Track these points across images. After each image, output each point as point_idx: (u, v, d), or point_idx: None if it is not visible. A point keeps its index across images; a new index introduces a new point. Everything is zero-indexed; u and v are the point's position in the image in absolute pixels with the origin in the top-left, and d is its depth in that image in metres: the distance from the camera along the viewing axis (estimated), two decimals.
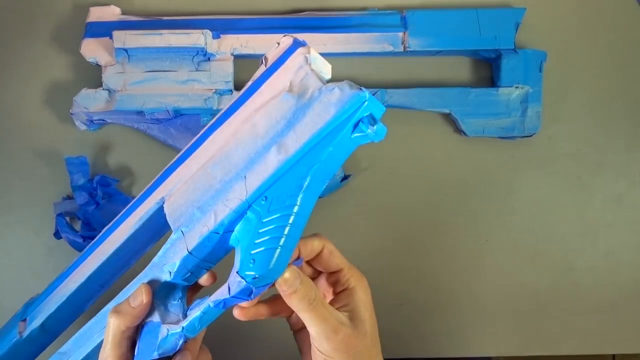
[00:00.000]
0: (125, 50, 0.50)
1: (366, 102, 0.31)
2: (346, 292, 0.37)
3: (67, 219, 0.52)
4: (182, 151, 0.37)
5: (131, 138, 0.54)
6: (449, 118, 0.54)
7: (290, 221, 0.32)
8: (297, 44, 0.34)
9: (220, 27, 0.52)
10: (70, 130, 0.53)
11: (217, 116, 0.36)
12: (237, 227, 0.33)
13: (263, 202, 0.32)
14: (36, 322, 0.41)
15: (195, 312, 0.34)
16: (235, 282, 0.32)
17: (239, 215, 0.33)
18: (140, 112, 0.51)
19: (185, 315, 0.35)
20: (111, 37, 0.51)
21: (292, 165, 0.32)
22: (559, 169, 0.55)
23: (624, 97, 0.55)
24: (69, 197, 0.53)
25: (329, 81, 0.33)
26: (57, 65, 0.54)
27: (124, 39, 0.50)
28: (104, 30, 0.51)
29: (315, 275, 0.39)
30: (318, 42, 0.51)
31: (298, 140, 0.32)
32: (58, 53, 0.54)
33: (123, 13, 0.53)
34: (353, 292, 0.37)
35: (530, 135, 0.53)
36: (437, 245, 0.55)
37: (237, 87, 0.52)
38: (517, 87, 0.53)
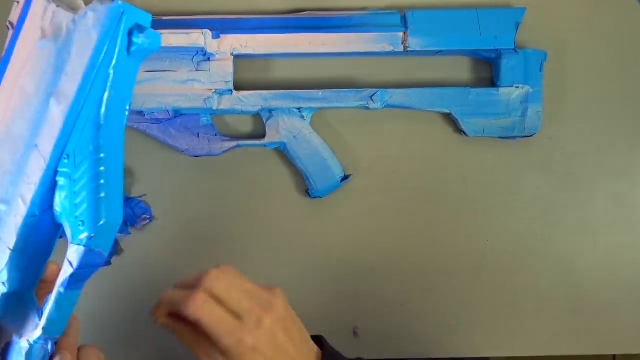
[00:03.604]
0: None
1: (124, 13, 0.28)
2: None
3: None
4: None
5: (131, 138, 0.54)
6: (449, 118, 0.54)
7: (102, 169, 0.28)
8: None
9: (220, 27, 0.51)
10: None
11: None
12: (56, 201, 0.29)
13: (66, 161, 0.29)
14: None
15: (48, 307, 0.30)
16: (73, 253, 0.29)
17: (48, 186, 0.29)
18: (140, 112, 0.51)
19: (40, 319, 0.31)
20: None
21: (79, 108, 0.28)
22: (559, 169, 0.55)
23: (624, 97, 0.55)
24: None
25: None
26: None
27: None
28: None
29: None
30: (318, 42, 0.51)
31: (73, 81, 0.28)
32: None
33: None
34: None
35: (530, 135, 0.53)
36: (437, 245, 0.55)
37: (237, 87, 0.52)
38: (517, 87, 0.53)
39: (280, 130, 0.52)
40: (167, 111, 0.51)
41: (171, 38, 0.50)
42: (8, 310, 0.31)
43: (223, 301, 0.33)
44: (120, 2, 0.28)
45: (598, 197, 0.55)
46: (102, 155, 0.28)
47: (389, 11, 0.53)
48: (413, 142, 0.55)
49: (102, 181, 0.28)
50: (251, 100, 0.52)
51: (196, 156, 0.53)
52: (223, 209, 0.54)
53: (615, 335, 0.56)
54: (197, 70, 0.51)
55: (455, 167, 0.55)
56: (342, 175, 0.53)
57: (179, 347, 0.36)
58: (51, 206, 0.30)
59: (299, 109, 0.52)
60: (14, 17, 0.31)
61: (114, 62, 0.28)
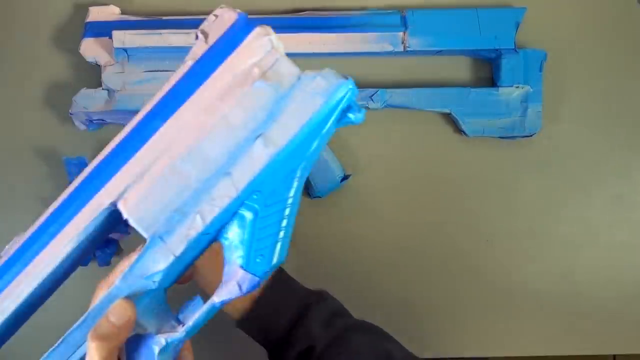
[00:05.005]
0: (125, 50, 0.50)
1: (350, 90, 0.31)
2: None
3: None
4: (114, 146, 0.33)
5: None
6: (449, 118, 0.54)
7: (287, 213, 0.32)
8: (245, 22, 0.32)
9: None
10: (70, 130, 0.53)
11: (153, 103, 0.33)
12: (230, 227, 0.32)
13: (256, 197, 0.31)
14: None
15: (198, 313, 0.33)
16: (246, 279, 0.32)
17: (229, 213, 0.32)
18: None
19: (178, 320, 0.33)
20: (111, 37, 0.50)
21: (283, 158, 0.31)
22: (559, 169, 0.55)
23: (623, 97, 0.55)
24: None
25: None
26: (57, 65, 0.54)
27: (124, 38, 0.50)
28: (103, 30, 0.51)
29: None
30: (318, 42, 0.51)
31: (285, 132, 0.31)
32: (58, 53, 0.54)
33: (122, 13, 0.53)
34: None
35: (530, 135, 0.53)
36: (437, 245, 0.55)
37: None
38: (517, 87, 0.53)
39: None
40: None
41: (171, 38, 0.50)
42: (149, 306, 0.33)
43: None
44: (350, 80, 0.31)
45: (598, 197, 0.55)
46: (290, 202, 0.32)
47: (389, 11, 0.53)
48: (413, 142, 0.55)
49: (285, 223, 0.32)
50: None
51: None
52: None
53: (615, 335, 0.56)
54: None
55: (455, 167, 0.55)
56: (342, 175, 0.53)
57: None
58: (222, 228, 0.32)
59: None
60: (212, 31, 0.33)
61: (326, 128, 0.31)
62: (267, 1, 0.54)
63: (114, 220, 0.33)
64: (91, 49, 0.51)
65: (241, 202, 0.31)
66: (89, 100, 0.51)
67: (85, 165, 0.52)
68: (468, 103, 0.53)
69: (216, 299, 0.32)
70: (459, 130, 0.54)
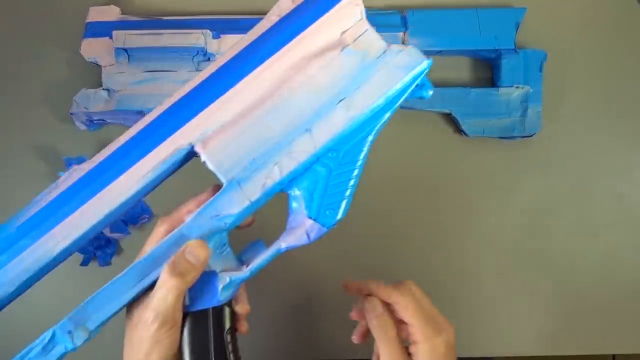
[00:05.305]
0: (125, 50, 0.50)
1: (426, 68, 0.33)
2: (412, 346, 0.38)
3: None
4: (195, 86, 0.34)
5: None
6: (449, 118, 0.54)
7: (355, 174, 0.35)
8: None
9: (220, 27, 0.52)
10: (70, 130, 0.53)
11: (235, 50, 0.34)
12: (301, 177, 0.34)
13: (331, 155, 0.34)
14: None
15: (263, 256, 0.35)
16: (315, 229, 0.34)
17: (305, 167, 0.34)
18: (140, 112, 0.51)
19: (241, 260, 0.36)
20: (111, 37, 0.51)
21: (361, 123, 0.34)
22: (559, 169, 0.55)
23: (623, 97, 0.55)
24: None
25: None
26: (57, 65, 0.54)
27: (124, 39, 0.50)
28: (104, 30, 0.51)
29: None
30: None
31: (367, 99, 0.33)
32: (58, 53, 0.54)
33: (123, 13, 0.53)
34: (416, 349, 0.38)
35: (530, 135, 0.53)
36: (437, 244, 0.55)
37: None
38: (517, 87, 0.53)
39: None
40: None
41: (171, 38, 0.50)
42: (214, 246, 0.35)
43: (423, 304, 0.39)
44: (430, 60, 0.34)
45: (598, 197, 0.55)
46: (360, 163, 0.34)
47: (389, 11, 0.53)
48: (413, 142, 0.55)
49: (352, 183, 0.34)
50: None
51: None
52: None
53: (615, 335, 0.56)
54: (197, 70, 0.51)
55: (455, 167, 0.55)
56: None
57: None
58: (290, 181, 0.34)
59: None
60: None
61: (401, 100, 0.34)
62: (267, 1, 0.54)
63: (185, 161, 0.35)
64: (91, 49, 0.51)
65: (317, 158, 0.34)
66: (89, 101, 0.51)
67: None
68: (468, 103, 0.53)
69: (283, 244, 0.35)
70: (459, 130, 0.54)
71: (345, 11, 0.34)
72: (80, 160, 0.52)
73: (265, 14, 0.53)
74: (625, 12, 0.55)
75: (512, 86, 0.53)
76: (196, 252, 0.33)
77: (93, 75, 0.53)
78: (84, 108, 0.51)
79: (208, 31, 0.50)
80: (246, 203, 0.34)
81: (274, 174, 0.34)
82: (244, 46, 0.34)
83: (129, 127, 0.52)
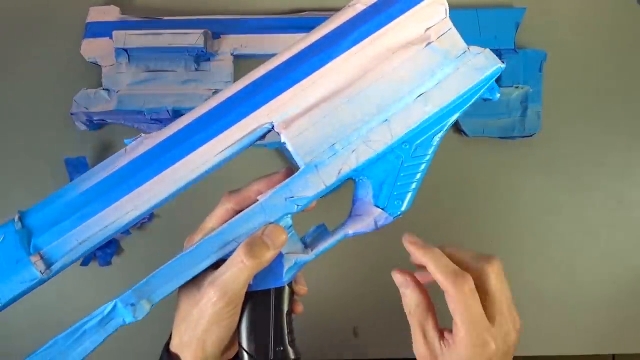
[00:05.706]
0: (125, 50, 0.50)
1: (499, 72, 0.34)
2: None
3: None
4: (276, 65, 0.34)
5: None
6: None
7: (422, 167, 0.36)
8: None
9: (220, 27, 0.52)
10: (70, 130, 0.53)
11: (323, 32, 0.34)
12: (372, 166, 0.35)
13: (404, 147, 0.35)
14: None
15: (330, 240, 0.36)
16: (382, 217, 0.36)
17: (379, 157, 0.35)
18: (140, 112, 0.51)
19: (304, 243, 0.36)
20: (111, 37, 0.51)
21: (436, 118, 0.34)
22: (559, 169, 0.55)
23: (623, 97, 0.55)
24: None
25: None
26: (57, 65, 0.54)
27: (124, 39, 0.50)
28: (104, 30, 0.52)
29: None
30: None
31: (445, 96, 0.34)
32: (58, 53, 0.54)
33: (123, 13, 0.53)
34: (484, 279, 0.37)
35: (530, 135, 0.53)
36: (436, 244, 0.55)
37: None
38: (517, 87, 0.53)
39: None
40: (167, 111, 0.51)
41: (171, 38, 0.50)
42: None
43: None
44: (504, 66, 0.35)
45: (598, 197, 0.55)
46: (428, 157, 0.36)
47: None
48: None
49: (419, 176, 0.36)
50: None
51: None
52: None
53: (614, 335, 0.56)
54: (197, 70, 0.51)
55: (455, 167, 0.55)
56: None
57: None
58: (362, 169, 0.35)
59: None
60: None
61: (473, 100, 0.35)
62: (267, 1, 0.54)
63: (260, 138, 0.35)
64: (91, 49, 0.51)
65: (391, 149, 0.35)
66: (89, 101, 0.51)
67: (86, 165, 0.53)
68: None
69: (350, 230, 0.36)
70: (459, 130, 0.54)
71: (431, 8, 0.35)
72: (80, 160, 0.52)
73: (265, 14, 0.54)
74: (625, 12, 0.55)
75: (512, 86, 0.53)
76: (274, 236, 0.34)
77: (93, 75, 0.53)
78: (84, 108, 0.51)
79: (208, 31, 0.50)
80: (321, 187, 0.34)
81: (350, 161, 0.34)
82: (329, 29, 0.34)
83: (129, 126, 0.53)
